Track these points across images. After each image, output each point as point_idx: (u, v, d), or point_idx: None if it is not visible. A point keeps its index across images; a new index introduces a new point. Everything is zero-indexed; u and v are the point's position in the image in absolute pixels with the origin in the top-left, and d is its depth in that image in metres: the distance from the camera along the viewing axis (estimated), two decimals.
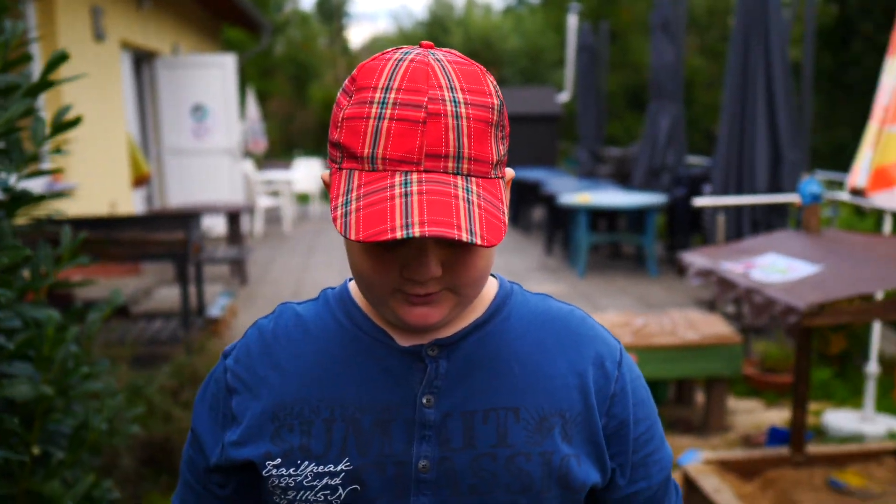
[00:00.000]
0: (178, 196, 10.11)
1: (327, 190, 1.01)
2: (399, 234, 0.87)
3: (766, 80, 6.85)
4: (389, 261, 0.99)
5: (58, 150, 2.34)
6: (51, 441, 2.07)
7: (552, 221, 10.24)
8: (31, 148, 2.19)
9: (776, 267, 3.11)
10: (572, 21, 14.13)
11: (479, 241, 0.88)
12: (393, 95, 0.93)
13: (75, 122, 2.32)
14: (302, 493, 1.05)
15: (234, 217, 8.33)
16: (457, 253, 0.99)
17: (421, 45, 1.00)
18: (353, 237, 0.89)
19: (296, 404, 1.07)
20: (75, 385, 2.12)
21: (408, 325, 1.03)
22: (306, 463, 1.05)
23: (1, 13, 1.88)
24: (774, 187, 6.69)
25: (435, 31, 19.48)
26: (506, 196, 1.00)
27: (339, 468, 1.05)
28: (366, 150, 0.93)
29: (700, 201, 5.57)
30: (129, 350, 4.20)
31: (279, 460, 1.06)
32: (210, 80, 10.06)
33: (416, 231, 0.87)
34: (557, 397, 1.07)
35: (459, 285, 1.01)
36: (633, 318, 4.87)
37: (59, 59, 2.16)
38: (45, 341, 1.99)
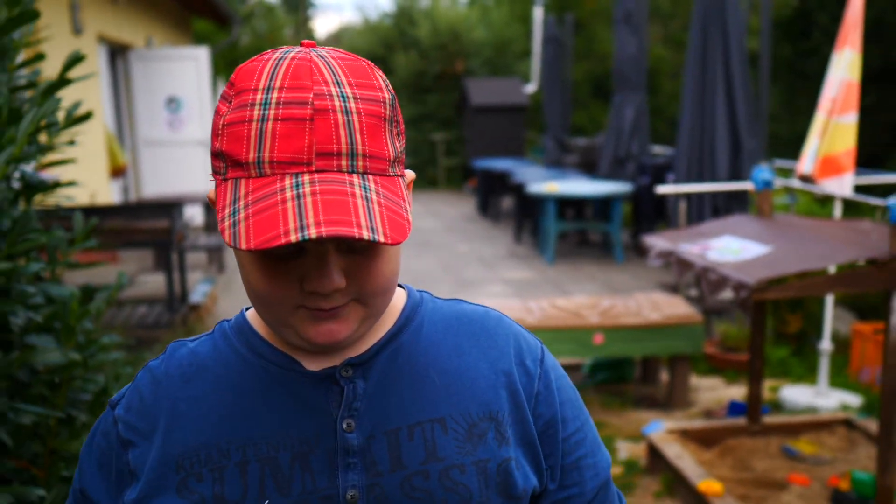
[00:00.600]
0: (153, 186, 10.22)
1: (213, 206, 0.92)
2: (294, 238, 0.79)
3: (724, 70, 7.13)
4: (287, 274, 0.90)
5: (71, 143, 2.54)
6: (73, 406, 2.27)
7: (521, 210, 10.48)
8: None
9: (730, 248, 3.36)
10: (538, 12, 14.35)
11: (381, 239, 0.81)
12: (275, 95, 0.86)
13: (87, 116, 2.51)
14: None
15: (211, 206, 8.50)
16: (360, 259, 0.91)
17: (302, 44, 0.93)
18: (242, 247, 0.81)
19: (202, 449, 0.97)
20: (93, 355, 2.32)
21: (314, 345, 0.94)
22: None
23: (29, 20, 2.05)
24: (734, 175, 6.98)
25: (401, 22, 19.57)
26: (408, 196, 0.94)
27: None
28: (251, 156, 0.86)
29: (662, 189, 5.84)
30: (120, 333, 4.37)
31: None
32: (184, 72, 10.17)
33: (313, 232, 0.79)
34: (484, 399, 1.00)
35: (366, 295, 0.93)
36: (601, 300, 5.12)
37: (76, 59, 2.35)
38: (70, 314, 2.19)
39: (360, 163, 0.87)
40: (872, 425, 4.01)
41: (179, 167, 10.29)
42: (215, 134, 0.89)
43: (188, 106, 10.30)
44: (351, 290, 0.91)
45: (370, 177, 0.87)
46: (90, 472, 1.03)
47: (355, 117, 0.86)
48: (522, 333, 1.08)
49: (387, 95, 0.91)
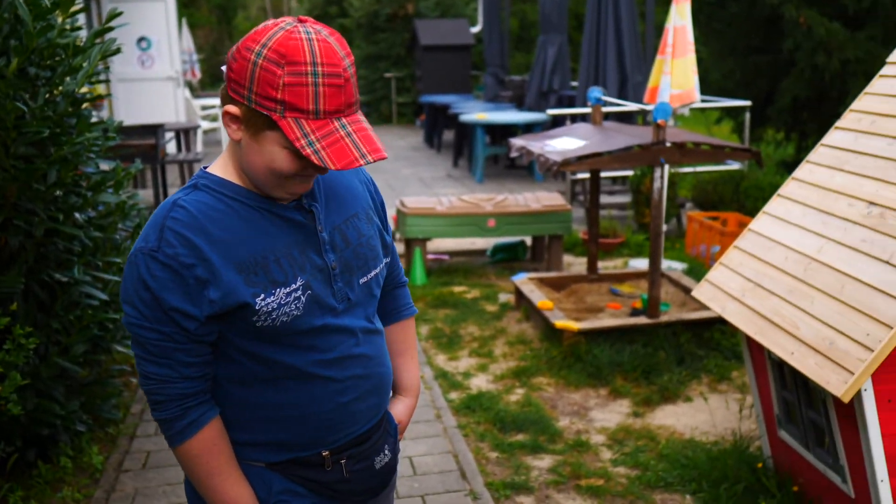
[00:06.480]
0: (126, 118, 11.42)
1: (231, 116, 1.46)
2: (363, 163, 1.39)
3: (614, 13, 8.56)
4: (299, 165, 1.46)
5: (107, 70, 3.90)
6: (120, 232, 3.70)
7: (459, 138, 11.88)
8: None
9: (563, 143, 4.84)
10: None
11: (386, 155, 1.44)
12: (321, 69, 1.37)
13: (116, 51, 3.83)
14: (282, 308, 1.52)
15: (186, 132, 9.80)
16: None
17: (299, 20, 1.42)
18: (333, 167, 1.38)
19: (250, 258, 1.50)
20: (133, 201, 3.75)
21: (296, 195, 1.55)
22: (279, 289, 1.52)
23: None
24: None
25: None
26: None
27: (297, 284, 1.53)
28: (310, 106, 1.38)
29: (551, 111, 7.29)
30: None
31: (262, 295, 1.50)
32: (153, 13, 11.31)
33: (370, 158, 1.40)
34: (363, 200, 1.73)
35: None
36: (497, 196, 6.60)
37: (114, 15, 3.68)
38: (117, 176, 3.62)
39: (357, 105, 1.45)
40: (677, 275, 5.54)
41: (151, 101, 11.49)
42: (275, 87, 1.38)
43: (157, 45, 11.48)
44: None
45: (360, 112, 1.47)
46: (166, 295, 1.47)
47: (354, 79, 1.43)
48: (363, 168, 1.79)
49: (352, 59, 1.46)
